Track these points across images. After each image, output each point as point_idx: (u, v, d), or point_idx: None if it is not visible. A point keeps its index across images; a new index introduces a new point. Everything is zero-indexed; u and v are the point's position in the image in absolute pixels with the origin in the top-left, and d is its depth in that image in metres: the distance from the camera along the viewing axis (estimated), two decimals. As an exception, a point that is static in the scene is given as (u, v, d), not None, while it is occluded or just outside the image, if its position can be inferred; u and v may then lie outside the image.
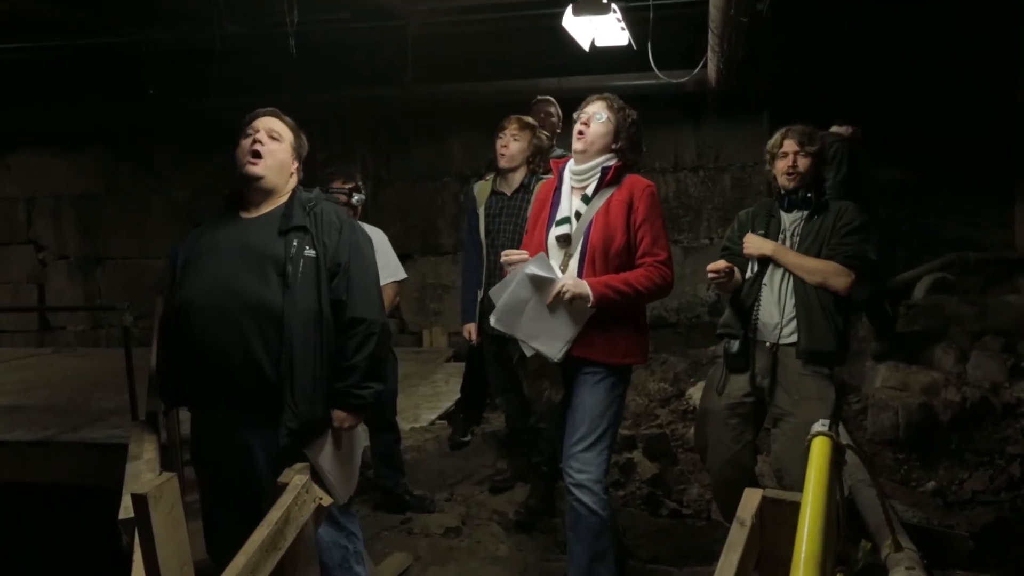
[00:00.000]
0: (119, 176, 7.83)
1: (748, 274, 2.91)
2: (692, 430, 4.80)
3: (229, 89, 6.46)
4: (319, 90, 6.61)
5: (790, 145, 2.89)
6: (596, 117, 2.67)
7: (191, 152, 7.25)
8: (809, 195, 2.89)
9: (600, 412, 2.60)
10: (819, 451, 1.55)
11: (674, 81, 5.84)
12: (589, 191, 2.67)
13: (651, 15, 4.78)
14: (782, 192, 2.95)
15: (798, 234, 2.88)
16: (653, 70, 5.33)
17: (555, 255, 2.67)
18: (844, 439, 1.84)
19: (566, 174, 2.75)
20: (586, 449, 2.59)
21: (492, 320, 2.69)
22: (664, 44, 5.14)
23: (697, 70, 5.73)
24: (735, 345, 2.87)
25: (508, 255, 2.67)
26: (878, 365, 4.87)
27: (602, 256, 2.59)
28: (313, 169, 3.11)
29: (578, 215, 2.66)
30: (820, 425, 1.60)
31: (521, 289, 2.59)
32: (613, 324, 2.59)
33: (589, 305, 2.52)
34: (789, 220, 2.93)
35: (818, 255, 2.81)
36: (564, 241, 2.65)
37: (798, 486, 2.69)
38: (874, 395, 4.55)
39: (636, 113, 2.73)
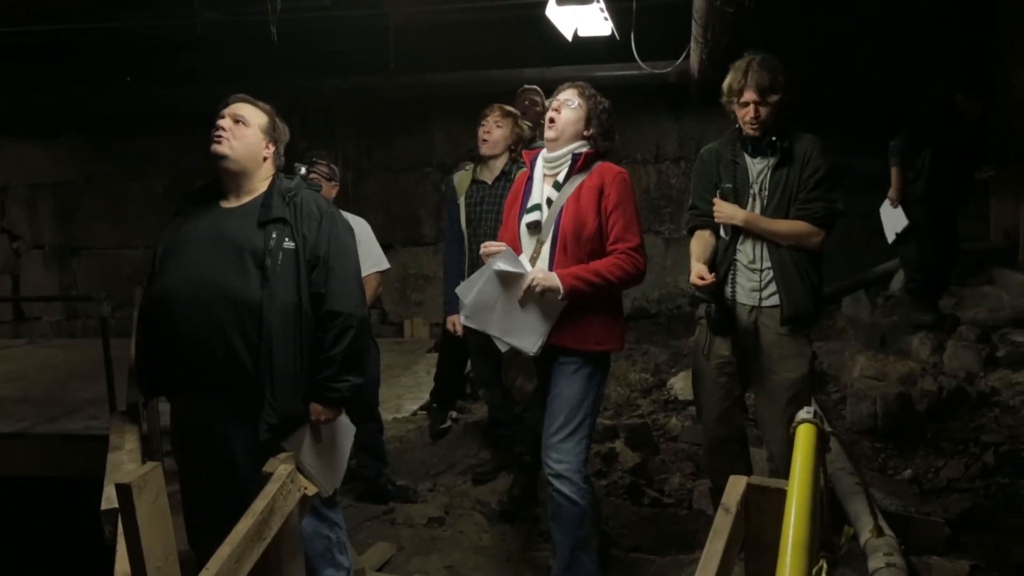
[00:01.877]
0: (96, 164, 7.72)
1: (722, 234, 2.88)
2: (673, 420, 4.86)
3: (209, 77, 6.37)
4: (301, 79, 6.55)
5: (750, 95, 2.78)
6: (567, 104, 2.67)
7: (171, 140, 7.14)
8: (773, 139, 2.81)
9: (578, 402, 2.61)
10: (804, 438, 1.56)
11: (656, 72, 5.83)
12: (560, 178, 2.68)
13: (634, 5, 4.77)
14: (744, 134, 2.87)
15: (767, 188, 2.83)
16: (636, 61, 5.33)
17: (527, 243, 2.68)
18: (825, 426, 1.87)
19: (538, 163, 2.76)
20: (564, 439, 2.60)
21: (462, 318, 2.69)
22: (647, 35, 5.14)
23: (680, 61, 5.72)
24: (716, 310, 2.85)
25: (487, 247, 2.66)
26: (856, 355, 4.92)
27: (574, 242, 2.59)
28: (297, 157, 3.09)
29: (549, 202, 2.66)
30: (805, 412, 1.61)
31: (490, 285, 2.59)
32: (587, 311, 2.60)
33: (560, 298, 2.52)
34: (756, 169, 2.85)
35: (787, 210, 2.78)
36: (535, 228, 2.66)
37: (776, 442, 2.79)
38: (852, 385, 4.59)
39: (608, 101, 2.73)
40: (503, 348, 2.67)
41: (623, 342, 2.76)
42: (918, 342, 4.91)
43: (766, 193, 2.83)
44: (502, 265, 2.55)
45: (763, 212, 2.83)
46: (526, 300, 2.55)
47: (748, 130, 2.83)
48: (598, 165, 2.68)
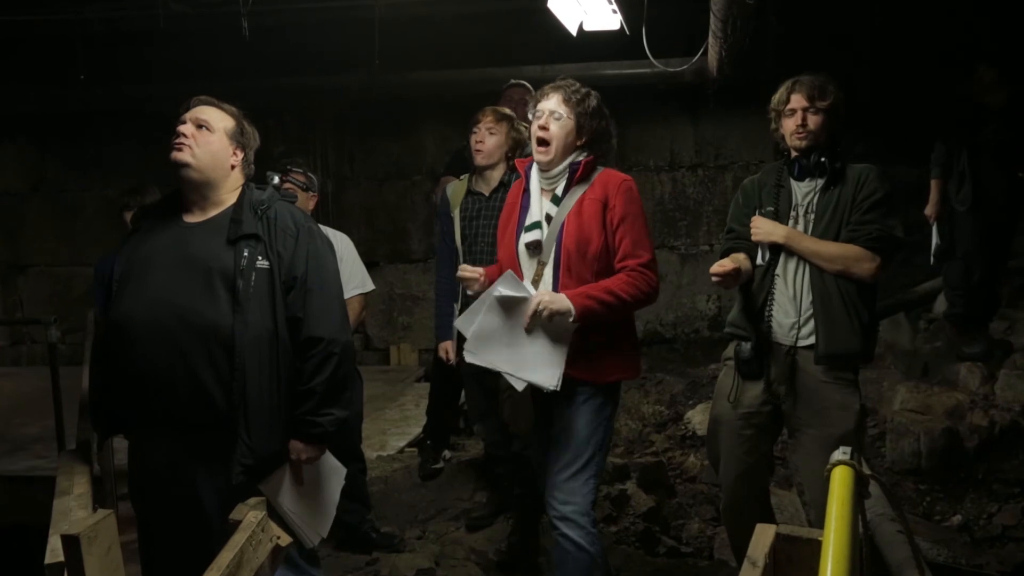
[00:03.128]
0: (45, 172, 7.73)
1: (759, 260, 2.84)
2: (691, 458, 4.84)
3: (173, 74, 6.41)
4: (276, 77, 6.58)
5: (798, 100, 2.79)
6: (554, 117, 2.65)
7: (129, 145, 7.18)
8: (823, 159, 2.79)
9: (586, 437, 2.60)
10: (841, 482, 1.54)
11: (671, 70, 5.87)
12: (559, 191, 2.68)
13: (646, -4, 4.81)
14: (790, 156, 2.87)
15: (813, 210, 2.81)
16: (648, 58, 5.35)
17: (527, 265, 2.68)
18: (864, 468, 1.85)
19: (533, 174, 2.75)
20: (570, 478, 2.59)
21: (467, 356, 2.69)
22: (660, 29, 5.17)
23: (696, 58, 5.76)
24: (747, 349, 2.81)
25: (463, 271, 2.67)
26: (897, 386, 4.91)
27: (578, 261, 2.59)
28: (271, 164, 3.09)
29: (548, 218, 2.66)
30: (841, 453, 1.59)
31: (492, 315, 2.57)
32: (598, 337, 2.59)
33: (571, 320, 2.51)
34: (802, 192, 2.84)
35: (837, 234, 2.74)
36: (535, 248, 2.66)
37: (818, 503, 2.73)
38: (893, 419, 4.58)
39: (597, 97, 2.71)
40: (519, 387, 2.62)
41: (639, 369, 2.75)
42: (966, 371, 4.90)
43: (812, 215, 2.81)
44: (503, 290, 2.54)
45: (808, 233, 2.80)
46: (532, 326, 2.54)
47: (795, 141, 2.82)
48: (600, 173, 2.69)
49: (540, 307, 2.50)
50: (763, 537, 1.70)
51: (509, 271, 2.60)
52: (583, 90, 2.70)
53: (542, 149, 2.66)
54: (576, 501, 2.58)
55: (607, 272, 2.61)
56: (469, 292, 2.78)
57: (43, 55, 6.99)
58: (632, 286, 2.57)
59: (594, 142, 2.69)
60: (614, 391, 2.71)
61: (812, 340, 2.76)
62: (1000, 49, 5.72)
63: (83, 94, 6.98)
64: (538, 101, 2.71)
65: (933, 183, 5.04)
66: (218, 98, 2.47)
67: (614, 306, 2.55)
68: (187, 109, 2.39)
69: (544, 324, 2.54)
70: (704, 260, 6.98)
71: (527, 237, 2.68)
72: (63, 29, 6.56)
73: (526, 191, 2.77)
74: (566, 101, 2.66)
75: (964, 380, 4.86)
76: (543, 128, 2.66)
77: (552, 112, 2.66)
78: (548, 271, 2.63)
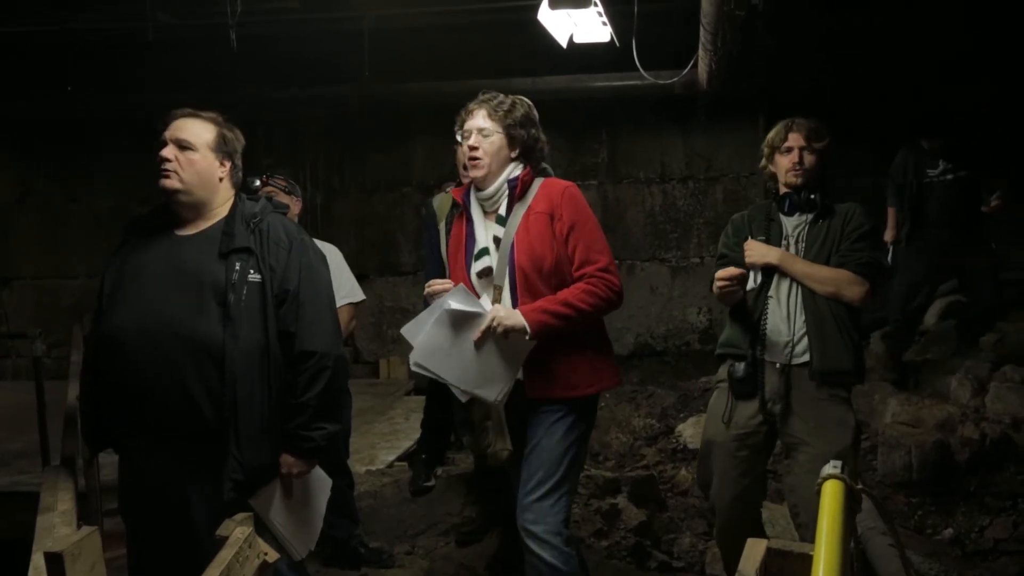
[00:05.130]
0: (31, 181, 7.71)
1: (751, 284, 2.89)
2: (682, 472, 4.84)
3: (162, 85, 6.41)
4: (264, 88, 6.59)
5: (795, 139, 2.91)
6: (483, 133, 2.59)
7: (117, 156, 7.17)
8: (813, 196, 2.90)
9: (559, 455, 2.56)
10: (831, 496, 1.55)
11: (661, 82, 5.90)
12: (502, 211, 2.63)
13: (636, 9, 4.83)
14: (780, 193, 2.98)
15: (803, 240, 2.90)
16: (638, 70, 5.39)
17: (482, 291, 2.62)
18: (855, 482, 1.86)
19: (472, 200, 2.70)
20: (541, 498, 2.53)
21: (412, 366, 2.63)
22: (650, 41, 5.21)
23: (687, 70, 5.80)
24: (741, 368, 2.85)
25: (432, 285, 2.62)
26: (889, 398, 4.93)
27: (535, 278, 2.55)
28: (254, 172, 3.08)
29: (497, 240, 2.61)
30: (832, 467, 1.60)
31: (441, 327, 2.53)
32: (568, 350, 2.56)
33: (527, 337, 2.48)
34: (791, 225, 2.94)
35: (827, 263, 2.83)
36: (486, 274, 2.61)
37: (815, 523, 2.73)
38: (884, 432, 4.59)
39: (526, 104, 2.64)
40: (463, 399, 2.61)
41: (617, 375, 2.72)
42: (957, 383, 4.92)
43: (802, 244, 2.91)
44: (455, 304, 2.50)
45: None
46: (483, 342, 2.50)
47: (790, 177, 2.92)
48: (541, 185, 2.64)
49: (494, 323, 2.46)
50: (754, 552, 1.70)
51: (461, 284, 2.56)
52: (508, 100, 2.63)
53: (475, 164, 2.59)
54: (548, 521, 2.52)
55: (565, 285, 2.56)
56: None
57: (30, 64, 6.98)
58: (591, 295, 2.52)
59: (527, 152, 2.63)
60: (589, 405, 2.66)
61: (806, 358, 2.81)
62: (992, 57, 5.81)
63: (71, 104, 6.99)
64: (464, 120, 2.64)
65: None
66: (206, 109, 2.46)
67: (573, 319, 2.51)
68: (165, 125, 2.35)
69: (499, 340, 2.49)
70: (695, 272, 7.01)
71: (477, 266, 2.62)
72: (52, 38, 6.57)
73: (469, 220, 2.70)
74: (491, 115, 2.59)
75: (955, 393, 4.88)
76: (473, 148, 2.59)
77: (480, 129, 2.59)
78: (506, 294, 2.58)
